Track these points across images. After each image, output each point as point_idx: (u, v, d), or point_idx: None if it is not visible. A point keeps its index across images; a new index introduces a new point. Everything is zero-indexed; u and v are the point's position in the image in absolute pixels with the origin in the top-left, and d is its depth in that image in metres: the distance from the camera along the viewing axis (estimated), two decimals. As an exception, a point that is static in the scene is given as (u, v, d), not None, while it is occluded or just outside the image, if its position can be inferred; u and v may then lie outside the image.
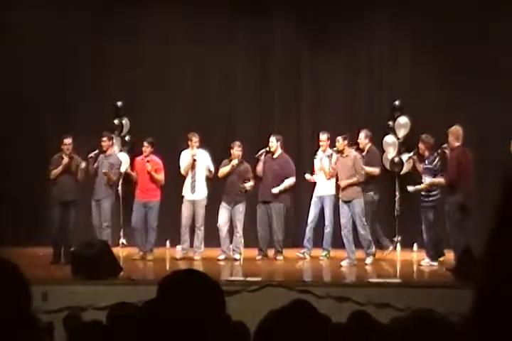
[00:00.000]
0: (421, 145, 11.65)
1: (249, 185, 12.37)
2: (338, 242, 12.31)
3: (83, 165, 12.02)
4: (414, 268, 11.61)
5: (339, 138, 11.66)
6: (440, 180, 11.25)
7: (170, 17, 14.29)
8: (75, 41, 13.91)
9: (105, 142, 12.44)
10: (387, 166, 13.04)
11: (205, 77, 14.44)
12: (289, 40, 14.43)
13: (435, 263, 11.55)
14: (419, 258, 11.85)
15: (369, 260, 11.71)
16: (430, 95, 13.70)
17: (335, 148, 11.77)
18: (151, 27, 14.31)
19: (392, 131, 13.48)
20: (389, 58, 14.24)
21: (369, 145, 12.53)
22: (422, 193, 11.56)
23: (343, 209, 11.63)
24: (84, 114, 13.97)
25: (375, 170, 12.30)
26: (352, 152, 11.76)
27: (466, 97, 13.45)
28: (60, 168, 11.93)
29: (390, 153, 13.14)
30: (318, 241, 12.68)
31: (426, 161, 11.54)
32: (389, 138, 13.40)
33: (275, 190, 12.18)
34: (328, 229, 12.58)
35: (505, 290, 1.32)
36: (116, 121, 13.83)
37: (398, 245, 12.21)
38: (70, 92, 14.01)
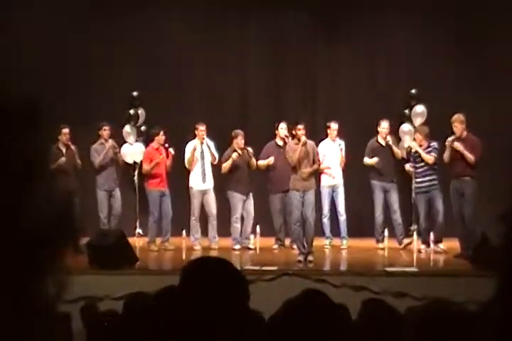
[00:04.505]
0: (417, 136, 12.16)
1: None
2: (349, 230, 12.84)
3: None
4: (431, 256, 11.58)
5: (302, 126, 11.31)
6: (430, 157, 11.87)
7: (183, 7, 14.24)
8: (91, 30, 13.87)
9: (106, 131, 12.63)
10: (404, 155, 12.98)
11: (219, 66, 14.39)
12: (304, 29, 14.36)
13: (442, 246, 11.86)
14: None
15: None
16: (447, 84, 13.66)
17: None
18: (165, 17, 14.24)
19: (409, 119, 13.42)
20: (405, 46, 14.16)
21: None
22: (431, 177, 11.91)
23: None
24: (100, 103, 13.92)
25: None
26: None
27: (482, 86, 13.42)
28: (55, 165, 11.92)
29: (407, 141, 13.07)
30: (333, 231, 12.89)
31: (427, 150, 11.96)
32: (405, 127, 13.34)
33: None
34: (343, 217, 12.67)
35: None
36: (131, 111, 13.82)
37: (415, 234, 12.16)
38: (86, 82, 13.96)
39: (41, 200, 1.23)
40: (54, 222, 1.24)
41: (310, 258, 10.96)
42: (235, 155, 12.40)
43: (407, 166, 12.35)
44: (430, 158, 11.86)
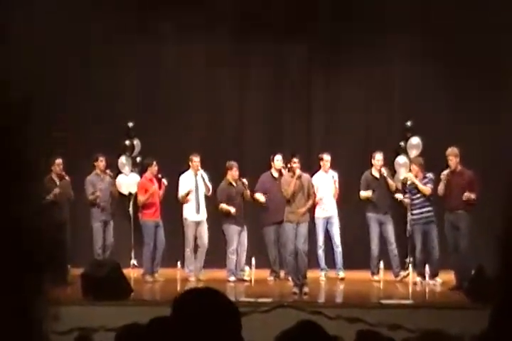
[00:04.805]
0: (413, 167, 12.21)
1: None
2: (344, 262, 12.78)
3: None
4: (427, 289, 11.55)
5: (297, 159, 11.23)
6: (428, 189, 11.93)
7: (183, 41, 14.31)
8: (88, 61, 13.90)
9: (102, 162, 12.65)
10: (399, 186, 13.01)
11: (216, 99, 14.46)
12: (301, 62, 14.45)
13: (440, 280, 11.85)
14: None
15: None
16: (442, 115, 13.72)
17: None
18: (164, 51, 14.33)
19: (404, 151, 13.45)
20: (400, 79, 14.24)
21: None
22: (426, 209, 11.96)
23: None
24: (95, 134, 13.90)
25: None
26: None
27: (477, 117, 13.48)
28: (51, 196, 11.90)
29: (402, 173, 13.10)
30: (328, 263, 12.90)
31: (423, 181, 12.01)
32: (401, 159, 13.37)
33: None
34: (339, 248, 12.64)
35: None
36: (127, 142, 13.83)
37: (410, 266, 12.15)
38: (81, 113, 13.95)
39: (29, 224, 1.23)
40: (39, 250, 1.24)
41: (305, 289, 10.90)
42: (232, 210, 12.40)
43: (399, 196, 12.36)
44: (427, 189, 11.88)
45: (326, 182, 12.78)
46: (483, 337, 1.35)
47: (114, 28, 13.93)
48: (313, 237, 12.58)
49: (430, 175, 11.93)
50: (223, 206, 12.45)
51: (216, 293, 2.37)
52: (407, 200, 12.17)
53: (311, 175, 12.12)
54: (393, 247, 12.45)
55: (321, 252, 12.74)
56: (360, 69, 14.28)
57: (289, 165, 11.51)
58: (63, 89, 13.75)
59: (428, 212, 11.92)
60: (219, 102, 14.51)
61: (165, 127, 14.26)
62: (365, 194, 12.60)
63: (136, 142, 13.91)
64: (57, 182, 12.24)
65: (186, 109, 14.39)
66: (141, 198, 12.58)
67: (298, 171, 11.20)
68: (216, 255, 12.62)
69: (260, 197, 12.65)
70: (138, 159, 13.83)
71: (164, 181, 12.67)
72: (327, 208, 12.76)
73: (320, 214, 12.75)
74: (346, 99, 14.38)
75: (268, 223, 12.61)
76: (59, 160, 12.27)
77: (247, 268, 12.42)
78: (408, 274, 12.13)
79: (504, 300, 1.30)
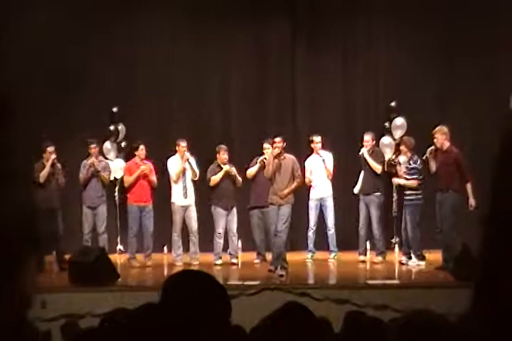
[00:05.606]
0: (403, 147, 12.19)
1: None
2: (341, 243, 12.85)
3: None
4: (413, 268, 11.60)
5: (279, 139, 11.24)
6: (413, 182, 11.85)
7: (166, 22, 14.25)
8: (71, 45, 13.77)
9: (95, 148, 12.58)
10: (385, 167, 13.03)
11: (200, 82, 14.39)
12: (285, 42, 14.41)
13: (422, 263, 11.84)
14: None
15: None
16: (426, 96, 13.73)
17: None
18: (148, 32, 14.24)
19: (389, 132, 13.46)
20: (384, 59, 14.23)
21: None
22: (408, 192, 11.93)
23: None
24: (80, 119, 13.84)
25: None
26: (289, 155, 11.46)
27: (462, 98, 13.51)
28: (40, 178, 11.93)
29: (387, 154, 13.12)
30: (317, 244, 12.91)
31: (410, 162, 11.95)
32: (385, 140, 13.38)
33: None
34: (332, 231, 12.69)
35: (503, 287, 1.30)
36: (112, 127, 13.76)
37: (396, 246, 12.18)
38: (66, 98, 13.86)
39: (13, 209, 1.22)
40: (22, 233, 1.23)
41: (281, 272, 10.84)
42: (226, 167, 12.39)
43: (395, 181, 12.30)
44: (413, 183, 11.87)
45: (317, 164, 12.82)
46: (466, 316, 1.35)
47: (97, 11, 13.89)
48: (305, 219, 12.65)
49: (416, 162, 11.86)
50: (214, 177, 12.37)
51: (206, 276, 2.37)
52: (410, 182, 12.01)
53: (305, 158, 12.15)
54: (375, 229, 12.35)
55: (311, 234, 12.76)
56: (343, 49, 14.29)
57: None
58: (52, 78, 13.67)
59: (409, 195, 11.91)
60: (203, 85, 14.43)
61: (150, 111, 14.23)
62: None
63: (121, 127, 13.84)
64: (48, 169, 12.16)
65: (171, 93, 14.35)
66: (126, 179, 12.56)
67: (276, 150, 11.16)
68: (206, 239, 12.60)
69: (252, 169, 12.58)
70: (123, 144, 13.76)
71: (145, 167, 12.57)
72: (320, 190, 12.77)
73: (313, 195, 12.80)
74: (329, 80, 14.37)
75: (253, 206, 12.63)
76: (51, 148, 12.23)
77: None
78: (378, 262, 12.14)
79: (484, 279, 1.30)
